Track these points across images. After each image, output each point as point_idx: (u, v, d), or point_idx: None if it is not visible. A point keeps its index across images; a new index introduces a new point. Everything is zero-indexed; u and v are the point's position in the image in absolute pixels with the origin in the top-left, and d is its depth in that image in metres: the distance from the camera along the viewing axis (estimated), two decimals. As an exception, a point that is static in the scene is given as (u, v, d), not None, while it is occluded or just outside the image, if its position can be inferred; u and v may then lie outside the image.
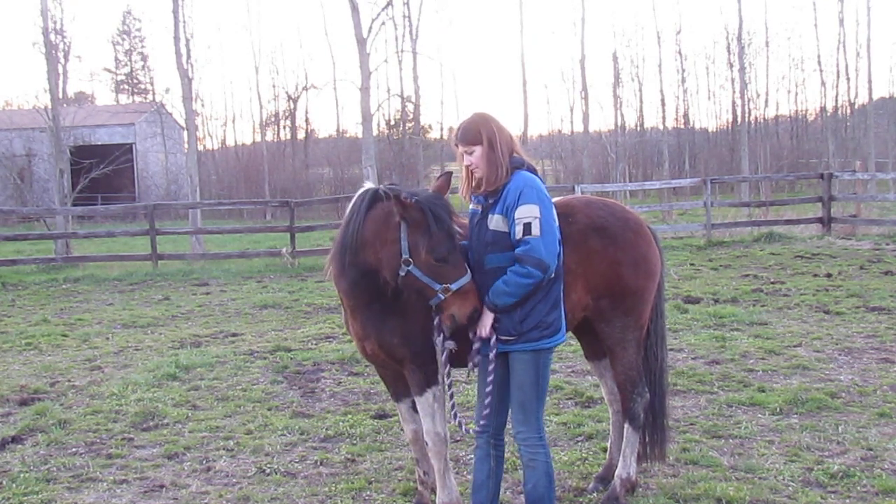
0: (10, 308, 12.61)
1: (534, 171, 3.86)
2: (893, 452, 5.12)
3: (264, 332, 9.79)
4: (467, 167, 3.83)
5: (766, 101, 54.09)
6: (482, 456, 4.00)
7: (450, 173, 4.00)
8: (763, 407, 6.07)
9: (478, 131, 3.79)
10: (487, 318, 3.75)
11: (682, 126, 52.60)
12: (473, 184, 3.87)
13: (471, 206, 3.98)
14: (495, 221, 3.76)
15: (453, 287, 3.68)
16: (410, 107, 45.76)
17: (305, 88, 51.12)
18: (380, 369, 4.50)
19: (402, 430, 4.99)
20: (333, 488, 4.92)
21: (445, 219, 3.71)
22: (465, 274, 3.71)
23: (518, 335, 3.75)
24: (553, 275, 3.75)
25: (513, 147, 3.84)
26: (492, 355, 3.81)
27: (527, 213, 3.67)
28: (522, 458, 3.95)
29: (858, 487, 4.62)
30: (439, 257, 3.68)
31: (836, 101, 47.59)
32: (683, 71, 51.60)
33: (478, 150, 3.77)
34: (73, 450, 5.78)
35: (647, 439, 4.73)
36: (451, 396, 4.03)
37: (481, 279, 3.77)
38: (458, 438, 5.71)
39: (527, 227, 3.66)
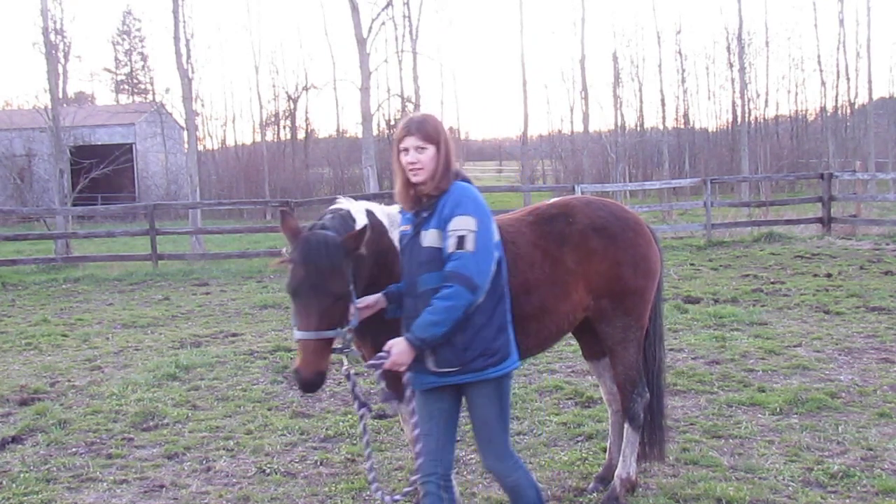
0: (10, 308, 12.61)
1: (469, 182, 3.51)
2: (893, 452, 5.12)
3: (264, 332, 9.79)
4: (412, 164, 3.42)
5: (766, 101, 54.28)
6: (433, 502, 3.53)
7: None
8: (763, 407, 6.07)
9: (436, 129, 3.44)
10: (405, 357, 3.32)
11: (682, 126, 52.67)
12: (411, 191, 3.48)
13: (400, 230, 3.64)
14: (430, 237, 3.38)
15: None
16: (410, 107, 45.66)
17: (305, 88, 51.22)
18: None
19: (402, 430, 4.99)
20: (333, 488, 4.92)
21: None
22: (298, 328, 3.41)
23: (461, 365, 3.36)
24: (482, 297, 3.34)
25: (454, 156, 3.53)
26: (408, 393, 3.47)
27: (461, 225, 3.30)
28: (505, 488, 3.61)
29: (858, 487, 4.62)
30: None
31: (836, 101, 47.68)
32: (683, 71, 51.76)
33: (431, 149, 3.41)
34: (73, 450, 5.78)
35: (645, 439, 4.73)
36: (371, 464, 3.72)
37: (414, 304, 3.43)
38: (458, 438, 5.70)
39: (460, 241, 3.28)
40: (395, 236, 3.91)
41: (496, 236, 3.44)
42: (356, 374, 3.68)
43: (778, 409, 5.99)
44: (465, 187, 3.43)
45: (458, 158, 3.55)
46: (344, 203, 3.89)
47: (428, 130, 3.42)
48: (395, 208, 4.12)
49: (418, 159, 3.40)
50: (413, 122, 3.46)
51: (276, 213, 37.62)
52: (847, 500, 4.49)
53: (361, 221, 3.76)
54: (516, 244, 4.22)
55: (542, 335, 4.30)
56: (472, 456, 5.36)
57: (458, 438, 5.66)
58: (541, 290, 4.19)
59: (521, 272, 4.16)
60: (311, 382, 3.41)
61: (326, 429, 6.04)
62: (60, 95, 37.96)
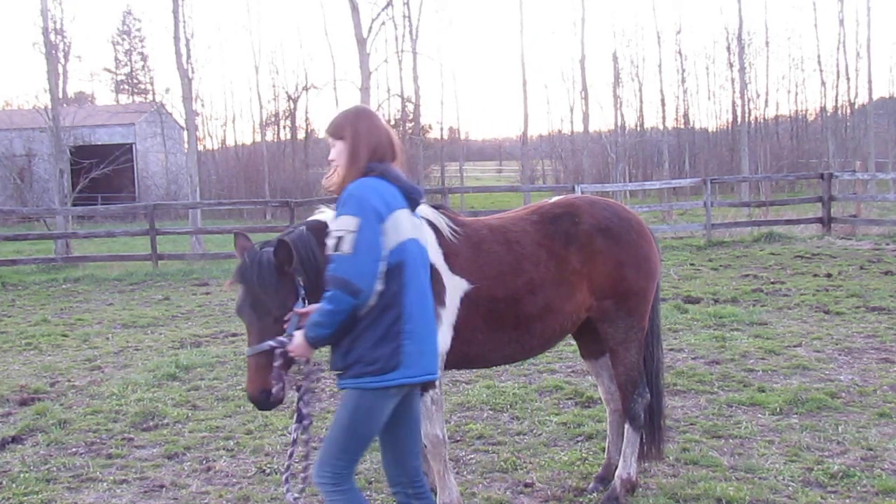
0: (10, 308, 12.61)
1: (391, 179, 3.28)
2: (893, 452, 5.12)
3: (264, 332, 9.78)
4: (330, 161, 3.39)
5: (766, 101, 54.33)
6: None
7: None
8: (763, 407, 6.07)
9: (343, 125, 3.34)
10: (301, 349, 3.33)
11: (682, 126, 52.71)
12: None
13: None
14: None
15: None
16: (410, 107, 45.74)
17: (305, 88, 51.16)
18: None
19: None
20: (333, 488, 4.92)
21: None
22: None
23: (344, 369, 3.25)
24: (373, 299, 3.15)
25: (383, 154, 3.32)
26: (303, 395, 3.56)
27: (341, 225, 3.14)
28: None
29: (858, 487, 4.62)
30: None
31: (836, 101, 47.72)
32: (683, 71, 51.79)
33: (339, 144, 3.32)
34: (73, 450, 5.78)
35: (644, 439, 4.73)
36: (291, 455, 3.66)
37: None
38: (459, 439, 5.71)
39: (338, 242, 3.12)
40: None
41: (395, 236, 3.21)
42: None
43: (778, 409, 5.99)
44: (358, 184, 3.23)
45: (376, 152, 3.32)
46: (325, 213, 3.87)
47: (335, 126, 3.36)
48: None
49: (334, 156, 3.37)
50: (331, 119, 3.43)
51: (276, 213, 37.70)
52: (847, 500, 4.49)
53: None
54: (521, 243, 4.22)
55: (546, 335, 4.30)
56: (472, 456, 5.37)
57: (459, 438, 5.68)
58: (546, 290, 4.19)
59: (525, 272, 4.16)
60: (255, 400, 3.48)
61: (326, 429, 6.03)
62: (60, 95, 37.93)
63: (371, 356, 3.18)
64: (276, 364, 3.40)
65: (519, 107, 68.71)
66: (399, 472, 3.47)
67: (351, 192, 3.19)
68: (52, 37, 29.55)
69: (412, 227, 3.33)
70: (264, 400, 3.46)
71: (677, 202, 26.72)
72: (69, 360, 8.69)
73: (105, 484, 5.14)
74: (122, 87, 64.12)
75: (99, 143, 43.27)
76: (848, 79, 45.65)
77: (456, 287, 4.04)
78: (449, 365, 4.18)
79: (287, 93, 52.17)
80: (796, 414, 5.92)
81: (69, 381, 7.78)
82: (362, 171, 3.28)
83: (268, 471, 5.25)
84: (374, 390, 3.21)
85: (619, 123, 48.61)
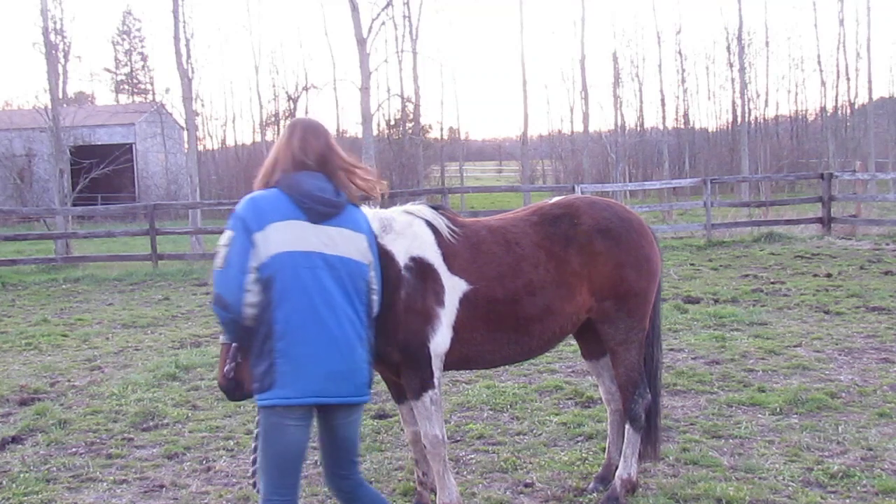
0: (10, 308, 12.61)
1: (284, 189, 3.22)
2: (893, 452, 5.12)
3: (264, 332, 9.77)
4: None
5: (766, 101, 54.31)
6: None
7: None
8: (763, 407, 6.07)
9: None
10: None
11: (682, 126, 52.72)
12: None
13: None
14: None
15: None
16: (410, 107, 45.67)
17: (305, 88, 51.01)
18: (381, 372, 4.47)
19: (402, 430, 5.00)
20: (333, 488, 4.92)
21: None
22: None
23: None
24: (245, 312, 3.12)
25: (275, 167, 3.30)
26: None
27: (220, 240, 3.19)
28: None
29: (858, 487, 4.62)
30: None
31: (836, 101, 47.74)
32: (683, 71, 51.82)
33: None
34: (73, 450, 5.78)
35: (642, 438, 4.72)
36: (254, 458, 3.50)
37: None
38: (459, 439, 5.71)
39: (216, 257, 3.17)
40: (388, 241, 3.89)
41: (265, 249, 3.13)
42: None
43: (778, 409, 5.99)
44: (246, 198, 3.25)
45: (285, 166, 3.30)
46: None
47: None
48: (390, 211, 4.10)
49: None
50: None
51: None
52: (847, 500, 4.49)
53: None
54: (520, 245, 4.21)
55: (546, 336, 4.29)
56: (472, 456, 5.37)
57: (459, 438, 5.68)
58: (545, 292, 4.18)
59: (525, 273, 4.15)
60: (221, 389, 3.44)
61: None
62: (60, 95, 37.82)
63: (255, 373, 3.20)
64: (233, 345, 3.38)
65: (519, 107, 68.70)
66: (329, 477, 3.45)
67: (236, 207, 3.24)
68: (52, 37, 29.50)
69: (298, 238, 3.18)
70: (229, 388, 3.41)
71: (677, 202, 26.70)
72: (69, 360, 8.69)
73: (105, 484, 5.15)
74: (122, 87, 64.16)
75: (99, 143, 43.25)
76: (848, 79, 45.75)
77: (455, 287, 4.04)
78: (448, 366, 4.18)
79: (287, 93, 52.06)
80: (796, 414, 5.92)
81: (69, 381, 7.78)
82: (264, 183, 3.31)
83: (268, 471, 5.24)
84: (263, 408, 3.19)
85: (619, 123, 48.61)
